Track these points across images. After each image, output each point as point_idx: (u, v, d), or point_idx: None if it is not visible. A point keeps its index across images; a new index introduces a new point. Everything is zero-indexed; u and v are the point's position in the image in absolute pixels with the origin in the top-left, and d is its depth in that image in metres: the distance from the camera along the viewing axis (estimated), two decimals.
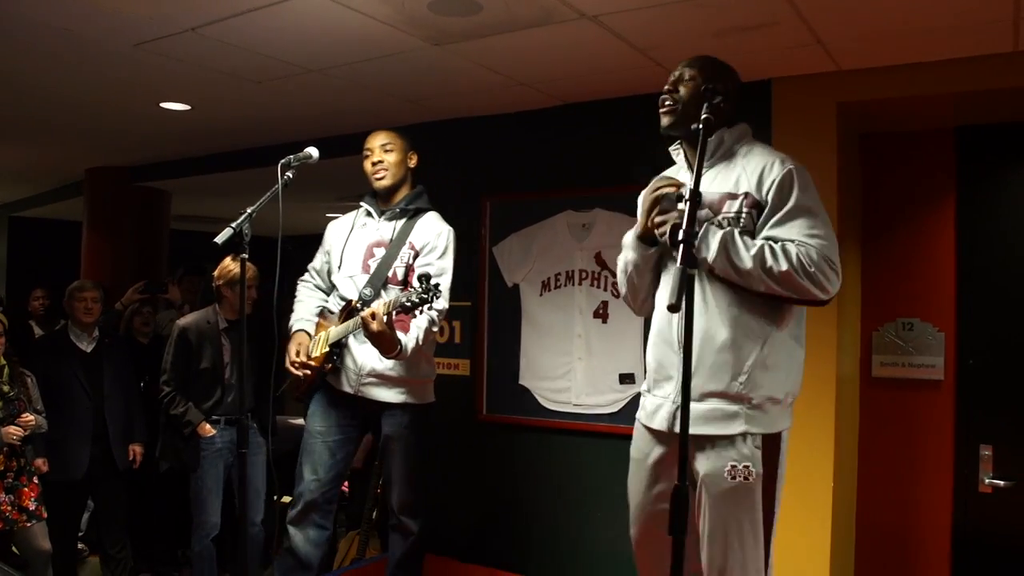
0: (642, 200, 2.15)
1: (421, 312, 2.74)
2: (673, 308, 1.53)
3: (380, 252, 2.98)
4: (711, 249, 1.96)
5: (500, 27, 2.80)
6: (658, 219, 2.06)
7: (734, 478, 2.00)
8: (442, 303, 2.91)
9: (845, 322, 3.21)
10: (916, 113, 3.25)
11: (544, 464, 3.75)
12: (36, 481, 3.54)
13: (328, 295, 3.12)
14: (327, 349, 2.92)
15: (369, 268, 2.96)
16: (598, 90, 3.50)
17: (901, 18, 2.59)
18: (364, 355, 2.92)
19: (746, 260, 1.94)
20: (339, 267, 3.03)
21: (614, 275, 3.59)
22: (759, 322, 2.03)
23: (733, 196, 2.05)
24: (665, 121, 2.15)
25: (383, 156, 2.99)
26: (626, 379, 3.52)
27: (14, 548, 3.85)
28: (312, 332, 3.04)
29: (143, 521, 4.46)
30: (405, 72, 3.35)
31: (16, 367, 3.60)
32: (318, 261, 3.17)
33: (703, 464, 2.04)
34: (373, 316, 2.67)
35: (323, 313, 3.07)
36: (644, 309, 2.28)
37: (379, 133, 3.04)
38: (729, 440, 2.01)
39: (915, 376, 3.36)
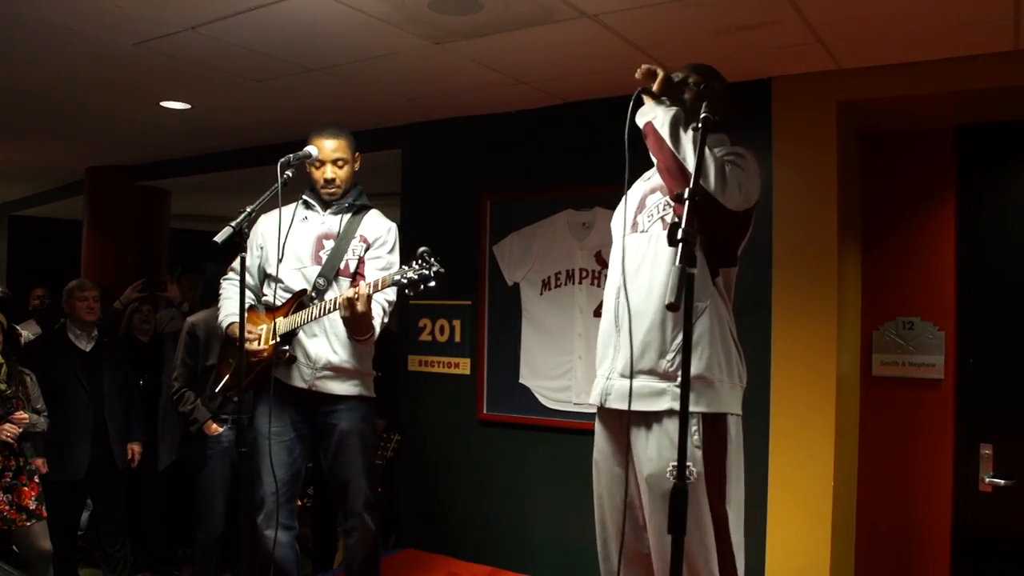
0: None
1: (423, 288, 2.65)
2: (673, 307, 1.53)
3: (330, 244, 2.92)
4: (663, 110, 2.04)
5: (500, 26, 2.80)
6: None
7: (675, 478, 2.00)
8: (392, 295, 2.91)
9: (845, 321, 3.21)
10: (916, 112, 3.25)
11: (544, 463, 3.75)
12: (36, 480, 3.53)
13: (257, 293, 3.02)
14: (276, 340, 2.84)
15: (321, 260, 2.91)
16: (598, 89, 3.50)
17: (901, 17, 2.59)
18: (317, 348, 2.86)
19: (687, 135, 2.01)
20: (280, 260, 2.91)
21: None
22: (689, 303, 2.03)
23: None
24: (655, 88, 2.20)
25: (336, 173, 2.93)
26: None
27: (14, 547, 3.86)
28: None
29: (143, 520, 4.47)
30: (405, 71, 3.35)
31: (15, 366, 3.60)
32: (248, 257, 2.95)
33: (647, 465, 2.07)
34: (358, 296, 2.63)
35: (253, 309, 2.96)
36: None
37: (329, 140, 2.93)
38: (668, 435, 2.03)
39: (915, 375, 3.36)
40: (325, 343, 2.85)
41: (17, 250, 9.09)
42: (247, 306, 2.88)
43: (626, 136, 2.01)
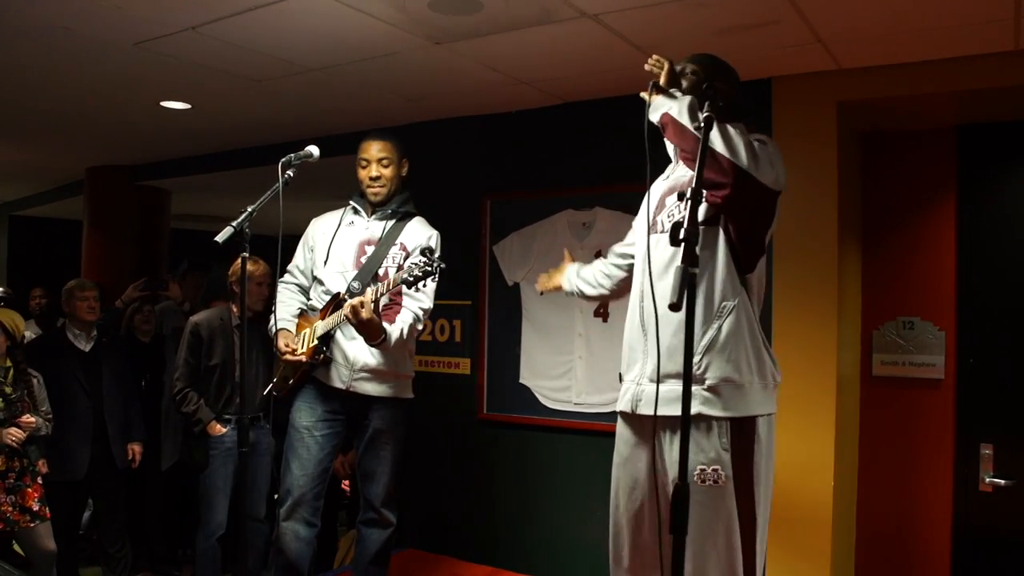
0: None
1: (425, 285, 2.75)
2: (674, 307, 1.53)
3: (371, 250, 3.00)
4: (677, 100, 2.01)
5: (501, 26, 2.80)
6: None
7: (703, 482, 1.99)
8: (427, 303, 2.97)
9: (846, 321, 3.21)
10: (917, 112, 3.25)
11: (544, 463, 3.75)
12: (40, 482, 3.54)
13: (308, 294, 3.11)
14: (315, 343, 2.93)
15: (361, 264, 2.98)
16: (598, 89, 3.50)
17: (902, 17, 2.59)
18: (356, 350, 2.92)
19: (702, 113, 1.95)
20: (325, 263, 3.02)
21: None
22: (712, 303, 2.04)
23: None
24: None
25: (381, 171, 3.01)
26: None
27: (16, 548, 3.86)
28: (294, 331, 3.05)
29: (144, 520, 4.46)
30: (406, 71, 3.35)
31: (23, 369, 3.60)
32: (300, 259, 3.16)
33: (673, 466, 2.03)
34: (362, 304, 2.68)
35: (303, 313, 3.08)
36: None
37: (375, 142, 3.03)
38: (700, 432, 2.00)
39: (916, 375, 3.36)
40: (363, 345, 2.90)
41: (17, 250, 9.09)
42: (300, 312, 3.08)
43: (646, 133, 1.99)
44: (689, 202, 1.62)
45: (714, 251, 2.07)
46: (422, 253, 2.70)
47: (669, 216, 2.17)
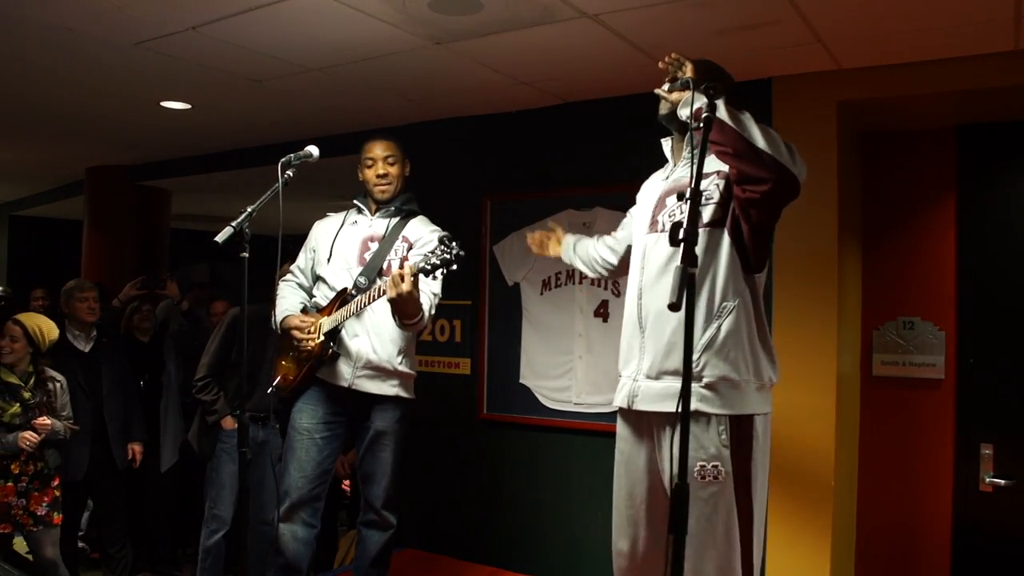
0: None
1: (443, 274, 2.70)
2: (674, 307, 1.53)
3: (374, 246, 3.00)
4: (722, 108, 1.99)
5: (501, 26, 2.80)
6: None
7: (703, 478, 2.00)
8: (438, 289, 2.97)
9: (846, 321, 3.21)
10: (917, 112, 3.25)
11: (544, 463, 3.75)
12: (53, 486, 3.53)
13: (310, 294, 3.11)
14: (322, 338, 2.91)
15: (365, 260, 2.99)
16: (599, 89, 3.50)
17: (901, 17, 2.59)
18: (359, 346, 2.92)
19: (745, 116, 1.99)
20: (328, 260, 3.02)
21: None
22: (712, 303, 2.05)
23: (706, 176, 2.10)
24: (663, 109, 2.22)
25: (388, 169, 3.02)
26: None
27: (16, 548, 3.85)
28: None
29: (143, 520, 4.46)
30: (406, 71, 3.35)
31: (43, 372, 3.60)
32: (302, 260, 3.16)
33: (675, 463, 2.01)
34: (402, 277, 2.62)
35: (306, 310, 3.06)
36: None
37: (380, 142, 3.05)
38: (695, 435, 2.00)
39: (916, 375, 3.36)
40: (366, 341, 2.91)
41: (17, 250, 9.10)
42: (301, 307, 3.05)
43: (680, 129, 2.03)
44: (689, 202, 1.62)
45: (717, 253, 2.08)
46: (440, 242, 2.66)
47: (670, 216, 2.18)
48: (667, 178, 2.30)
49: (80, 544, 4.60)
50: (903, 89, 3.01)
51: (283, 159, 2.62)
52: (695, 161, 1.72)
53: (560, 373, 3.72)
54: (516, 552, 3.78)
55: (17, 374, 3.52)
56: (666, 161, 2.37)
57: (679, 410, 1.96)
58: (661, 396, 2.06)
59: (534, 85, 3.50)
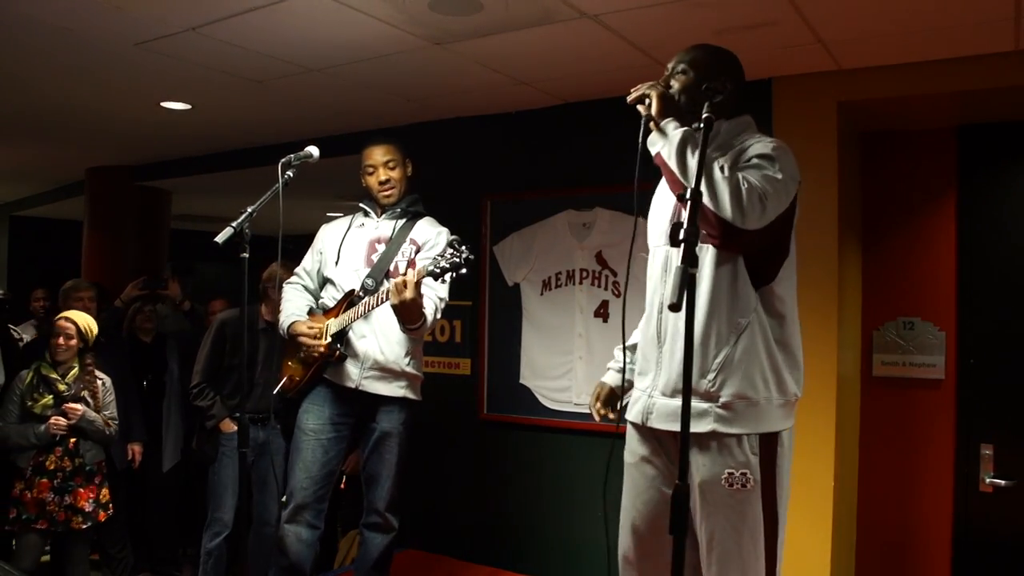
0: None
1: (452, 278, 2.71)
2: (674, 308, 1.52)
3: (381, 248, 3.01)
4: (667, 141, 1.94)
5: (501, 26, 2.80)
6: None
7: (731, 485, 1.97)
8: (444, 292, 2.98)
9: (846, 321, 3.21)
10: (917, 112, 3.25)
11: (545, 463, 3.75)
12: (96, 483, 3.55)
13: (316, 297, 3.12)
14: (329, 340, 2.92)
15: (373, 262, 3.00)
16: (598, 89, 3.50)
17: (902, 17, 2.58)
18: (366, 347, 2.93)
19: (692, 157, 1.89)
20: (336, 263, 3.04)
21: (615, 274, 3.59)
22: (730, 319, 1.99)
23: None
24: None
25: (389, 174, 3.03)
26: None
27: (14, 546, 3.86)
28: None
29: (144, 521, 4.46)
30: (405, 72, 3.35)
31: (89, 371, 3.63)
32: (308, 262, 3.16)
33: (700, 470, 2.00)
34: (405, 284, 2.64)
35: (313, 312, 3.06)
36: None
37: (379, 147, 3.05)
38: (722, 443, 1.98)
39: (916, 375, 3.36)
40: (374, 342, 2.92)
41: (18, 251, 9.10)
42: (309, 309, 3.05)
43: (640, 147, 1.97)
44: (690, 203, 1.62)
45: (722, 269, 2.00)
46: (450, 245, 2.66)
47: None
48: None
49: None
50: (903, 89, 3.01)
51: (283, 159, 2.62)
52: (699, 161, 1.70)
53: (560, 373, 3.72)
54: (516, 552, 3.78)
55: (61, 370, 3.55)
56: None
57: (719, 430, 1.94)
58: (677, 415, 1.99)
59: (534, 85, 3.50)
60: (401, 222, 3.05)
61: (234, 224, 2.44)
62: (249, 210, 2.48)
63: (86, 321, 3.65)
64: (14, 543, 3.80)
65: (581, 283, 3.69)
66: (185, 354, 4.40)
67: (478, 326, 3.96)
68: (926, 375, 3.34)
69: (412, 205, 3.09)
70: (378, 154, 3.04)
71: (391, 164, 3.03)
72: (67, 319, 3.59)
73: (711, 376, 1.99)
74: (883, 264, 3.45)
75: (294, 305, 3.07)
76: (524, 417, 3.82)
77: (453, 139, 4.10)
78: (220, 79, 3.51)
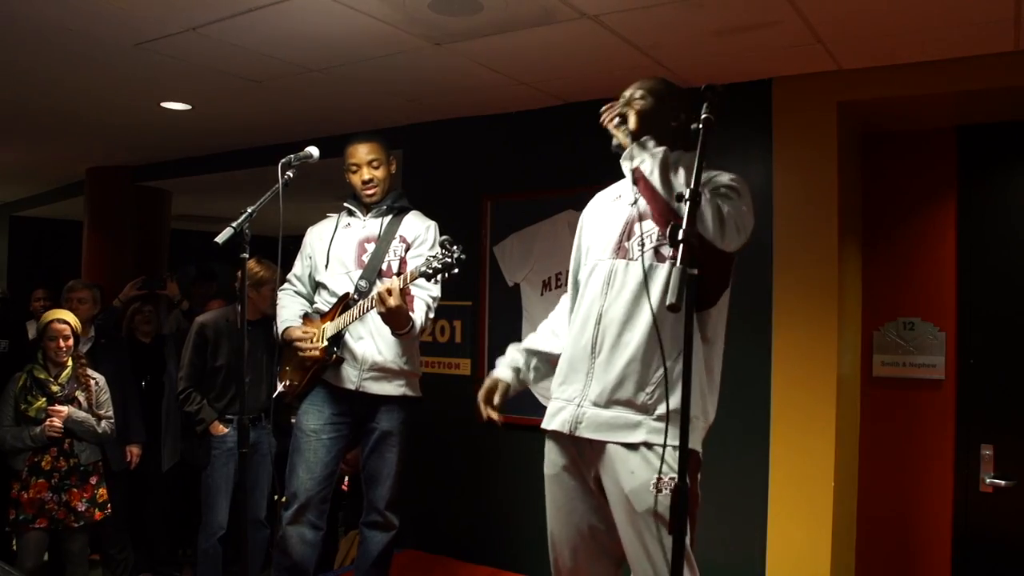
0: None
1: (445, 277, 2.71)
2: (674, 308, 1.52)
3: (371, 247, 2.99)
4: (651, 156, 1.99)
5: (501, 26, 2.80)
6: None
7: (660, 491, 1.96)
8: (437, 291, 2.97)
9: (846, 321, 3.21)
10: (917, 112, 3.25)
11: (544, 464, 3.74)
12: (93, 483, 3.56)
13: (311, 301, 3.11)
14: (325, 343, 2.92)
15: (364, 263, 2.98)
16: (598, 89, 3.48)
17: (901, 17, 2.58)
18: (364, 349, 2.93)
19: (677, 177, 1.95)
20: (326, 266, 3.02)
21: None
22: (674, 336, 1.97)
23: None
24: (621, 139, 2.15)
25: (373, 173, 3.01)
26: None
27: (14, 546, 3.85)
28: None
29: (144, 521, 4.46)
30: (405, 72, 3.35)
31: (82, 369, 3.64)
32: (299, 267, 3.16)
33: (628, 479, 2.00)
34: (389, 292, 2.66)
35: (308, 316, 3.06)
36: None
37: (361, 146, 3.03)
38: (654, 452, 1.98)
39: (916, 376, 3.36)
40: (371, 344, 2.92)
41: (18, 251, 9.10)
42: (303, 314, 3.05)
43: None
44: (688, 203, 1.62)
45: (664, 289, 1.98)
46: (441, 245, 2.67)
47: (639, 244, 2.08)
48: (635, 202, 2.15)
49: None
50: (903, 90, 3.01)
51: (283, 160, 2.62)
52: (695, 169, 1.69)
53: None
54: (516, 552, 3.78)
55: (54, 372, 3.56)
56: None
57: (650, 441, 1.94)
58: (611, 426, 2.02)
59: (534, 85, 3.50)
60: (388, 219, 3.03)
61: (234, 224, 2.44)
62: (249, 210, 2.47)
63: (75, 319, 3.68)
64: (15, 544, 3.81)
65: None
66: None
67: (478, 326, 3.96)
68: (926, 375, 3.34)
69: (397, 200, 3.07)
70: (362, 152, 3.02)
71: (375, 163, 3.01)
72: (61, 320, 3.60)
73: (649, 390, 2.02)
74: (883, 264, 3.45)
75: (289, 311, 3.07)
76: (524, 417, 3.81)
77: (453, 139, 4.10)
78: (220, 79, 3.51)
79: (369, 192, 3.02)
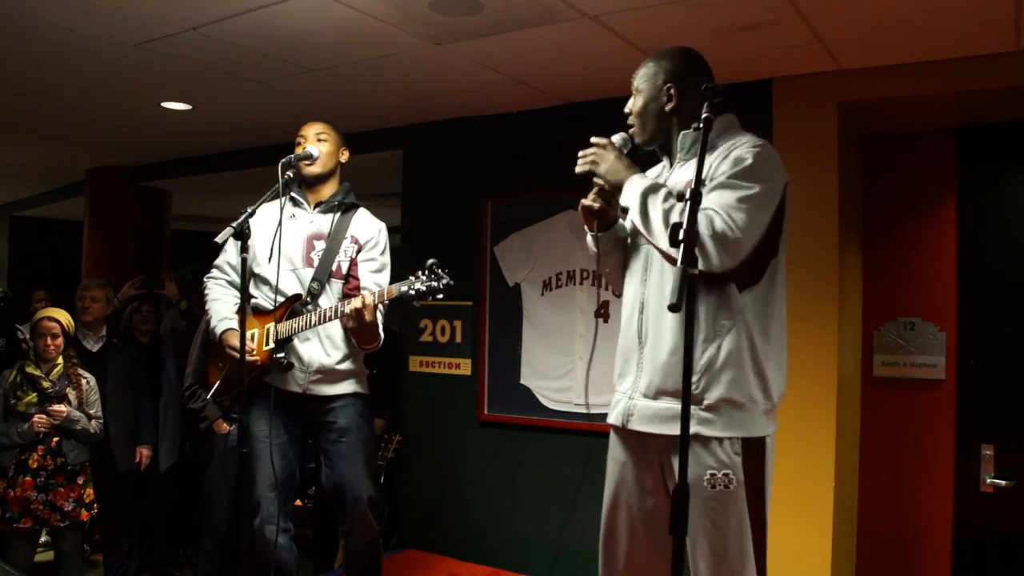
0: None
1: (429, 299, 2.64)
2: (674, 308, 1.51)
3: (320, 245, 2.88)
4: (632, 197, 1.98)
5: (501, 26, 2.80)
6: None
7: (714, 487, 1.93)
8: (385, 279, 2.90)
9: (846, 321, 3.21)
10: (917, 112, 3.25)
11: (545, 464, 3.75)
12: (80, 483, 3.55)
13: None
14: (271, 346, 2.79)
15: (313, 262, 2.86)
16: (598, 89, 3.50)
17: (902, 17, 2.59)
18: (311, 352, 2.82)
19: (655, 213, 1.90)
20: (268, 260, 2.80)
21: None
22: (713, 321, 1.94)
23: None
24: (637, 140, 2.21)
25: (317, 145, 2.89)
26: None
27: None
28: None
29: (145, 521, 4.45)
30: (405, 72, 3.35)
31: (73, 368, 3.63)
32: (232, 255, 2.95)
33: (670, 480, 1.97)
34: (364, 308, 2.61)
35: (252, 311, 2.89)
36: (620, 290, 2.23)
37: (314, 123, 2.95)
38: (704, 445, 1.94)
39: (916, 376, 3.36)
40: (318, 346, 2.83)
41: (18, 251, 9.09)
42: (237, 309, 2.85)
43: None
44: (689, 203, 1.61)
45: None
46: (429, 269, 2.61)
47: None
48: (666, 180, 2.16)
49: (83, 546, 4.59)
50: (904, 90, 3.01)
51: (283, 159, 2.62)
52: (698, 157, 1.67)
53: (561, 374, 3.72)
54: (516, 552, 3.78)
55: (45, 368, 3.55)
56: (658, 160, 2.29)
57: (701, 433, 1.90)
58: (659, 417, 1.98)
59: (534, 85, 3.50)
60: (337, 216, 2.91)
61: (234, 224, 2.43)
62: (249, 210, 2.47)
63: (67, 318, 3.67)
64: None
65: (582, 284, 3.69)
66: (182, 354, 4.40)
67: (478, 326, 3.96)
68: (927, 375, 3.34)
69: (346, 196, 2.95)
70: (312, 127, 2.92)
71: (321, 136, 2.90)
72: (51, 318, 3.59)
73: (695, 379, 1.93)
74: (884, 264, 3.45)
75: (224, 305, 2.92)
76: (524, 417, 3.82)
77: (453, 139, 4.10)
78: (220, 79, 3.52)
79: (308, 164, 2.86)
